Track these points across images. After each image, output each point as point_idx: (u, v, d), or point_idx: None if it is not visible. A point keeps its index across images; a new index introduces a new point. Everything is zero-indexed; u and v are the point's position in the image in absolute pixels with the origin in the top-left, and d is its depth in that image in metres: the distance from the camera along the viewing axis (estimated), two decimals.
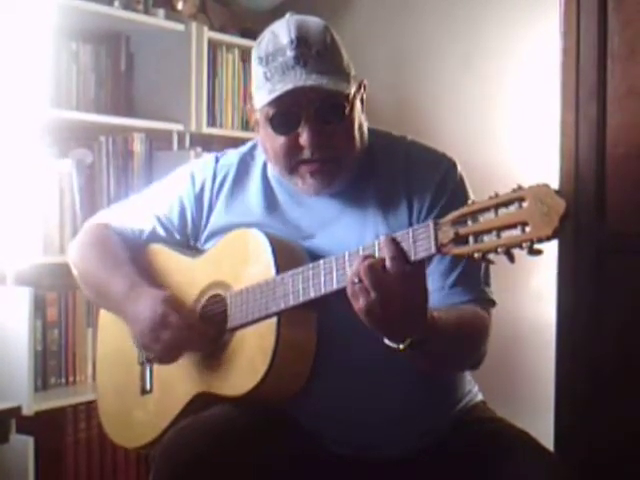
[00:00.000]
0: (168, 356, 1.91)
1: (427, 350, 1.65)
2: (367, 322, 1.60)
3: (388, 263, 1.57)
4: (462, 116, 3.69)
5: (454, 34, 3.71)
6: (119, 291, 1.98)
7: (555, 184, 2.98)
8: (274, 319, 1.80)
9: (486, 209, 1.47)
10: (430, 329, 1.64)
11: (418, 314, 1.62)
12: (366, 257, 1.60)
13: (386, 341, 1.65)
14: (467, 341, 1.81)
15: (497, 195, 1.47)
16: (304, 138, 1.84)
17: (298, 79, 1.80)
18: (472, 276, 1.87)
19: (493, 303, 1.91)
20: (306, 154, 1.86)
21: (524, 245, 1.42)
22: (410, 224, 1.87)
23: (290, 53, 1.82)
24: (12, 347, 2.89)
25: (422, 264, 1.59)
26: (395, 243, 1.58)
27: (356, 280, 1.58)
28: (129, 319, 1.95)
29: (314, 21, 1.89)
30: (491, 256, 1.48)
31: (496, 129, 3.61)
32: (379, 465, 1.89)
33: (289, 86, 1.79)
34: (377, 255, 1.60)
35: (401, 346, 1.63)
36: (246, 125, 3.67)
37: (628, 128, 2.89)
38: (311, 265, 1.74)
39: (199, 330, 1.89)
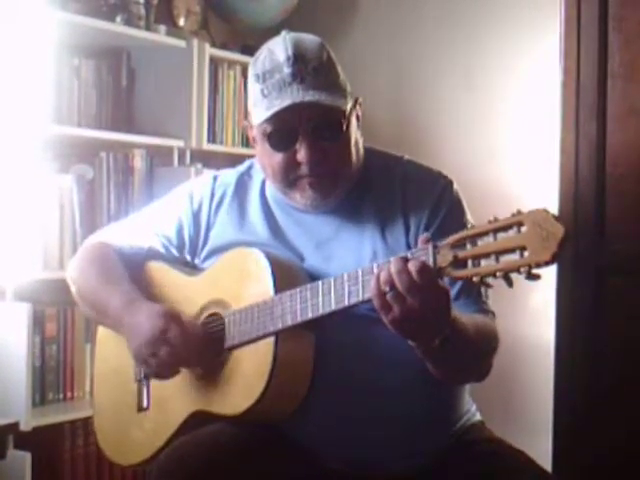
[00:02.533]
0: (165, 372, 1.90)
1: (451, 348, 1.65)
2: (401, 331, 1.59)
3: (415, 275, 1.55)
4: (462, 134, 3.69)
5: (454, 53, 3.72)
6: (118, 306, 1.97)
7: (554, 203, 2.98)
8: (272, 339, 1.79)
9: (485, 233, 1.48)
10: (454, 325, 1.64)
11: (446, 313, 1.61)
12: (398, 260, 1.57)
13: (412, 344, 1.64)
14: (483, 339, 1.81)
15: (496, 219, 1.47)
16: (302, 155, 1.85)
17: (295, 95, 1.81)
18: (473, 288, 1.87)
19: (494, 315, 1.92)
20: (304, 170, 1.87)
21: (522, 270, 1.42)
22: (407, 243, 1.89)
23: (287, 70, 1.83)
24: (10, 362, 2.89)
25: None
26: (405, 260, 1.57)
27: (387, 288, 1.57)
28: (127, 333, 1.94)
29: (310, 38, 1.91)
30: (489, 280, 1.48)
31: (496, 148, 3.62)
32: None
33: (287, 102, 1.80)
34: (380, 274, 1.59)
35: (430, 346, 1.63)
36: (246, 142, 3.65)
37: (628, 148, 2.89)
38: (309, 285, 1.74)
39: (197, 349, 1.88)
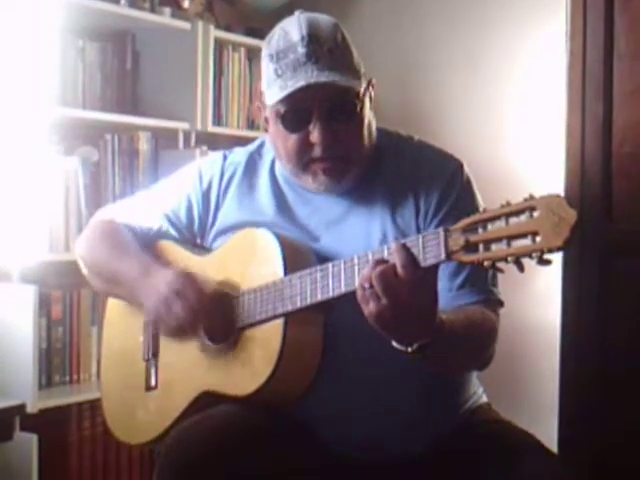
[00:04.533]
0: (177, 327, 1.88)
1: (435, 353, 1.65)
2: (376, 326, 1.60)
3: (400, 270, 1.56)
4: (468, 116, 3.68)
5: (460, 34, 3.71)
6: (135, 274, 1.98)
7: (561, 184, 2.99)
8: (281, 320, 1.80)
9: (497, 217, 1.47)
10: (438, 333, 1.64)
11: (427, 319, 1.61)
12: (377, 262, 1.59)
13: (394, 344, 1.65)
14: (475, 343, 1.81)
15: (508, 204, 1.47)
16: (315, 136, 1.84)
17: (310, 76, 1.80)
18: (480, 277, 1.87)
19: (501, 304, 1.91)
20: (317, 152, 1.86)
21: (534, 255, 1.42)
22: (417, 225, 1.89)
23: (302, 50, 1.82)
24: (17, 345, 2.89)
25: (433, 270, 1.59)
26: (406, 250, 1.57)
27: (367, 285, 1.58)
28: (144, 295, 1.94)
29: (324, 19, 1.90)
30: (500, 264, 1.48)
31: (502, 129, 3.61)
32: (381, 466, 1.89)
33: (301, 82, 1.80)
34: (387, 259, 1.60)
35: (409, 349, 1.63)
36: (252, 124, 3.68)
37: (634, 128, 2.90)
38: (319, 267, 1.73)
39: (210, 305, 1.87)
